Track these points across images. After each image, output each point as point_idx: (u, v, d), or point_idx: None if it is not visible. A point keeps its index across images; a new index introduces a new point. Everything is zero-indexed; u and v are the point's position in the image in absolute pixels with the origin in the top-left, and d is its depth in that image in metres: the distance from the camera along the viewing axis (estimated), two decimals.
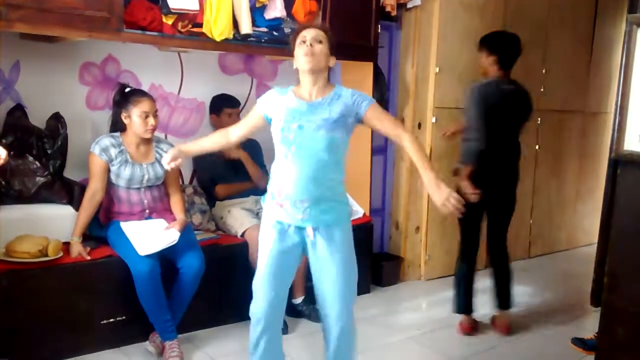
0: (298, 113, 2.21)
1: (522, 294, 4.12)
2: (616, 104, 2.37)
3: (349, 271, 2.30)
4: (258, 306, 2.27)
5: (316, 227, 2.24)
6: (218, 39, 3.11)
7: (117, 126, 3.02)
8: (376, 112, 2.26)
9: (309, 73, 2.22)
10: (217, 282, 3.27)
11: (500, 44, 3.36)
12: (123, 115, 2.95)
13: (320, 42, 2.23)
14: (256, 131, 2.39)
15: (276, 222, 2.26)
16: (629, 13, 3.28)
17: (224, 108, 3.64)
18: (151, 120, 2.94)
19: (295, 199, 2.20)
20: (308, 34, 2.24)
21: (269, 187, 2.30)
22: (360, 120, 2.26)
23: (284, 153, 2.21)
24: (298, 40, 2.24)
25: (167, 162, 2.36)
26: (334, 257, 2.25)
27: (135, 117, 2.92)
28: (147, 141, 3.03)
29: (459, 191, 2.92)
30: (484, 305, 3.67)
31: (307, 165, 2.19)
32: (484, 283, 3.82)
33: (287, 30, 3.42)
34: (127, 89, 3.02)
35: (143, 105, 2.92)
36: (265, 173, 3.75)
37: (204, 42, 3.13)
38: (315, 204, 2.21)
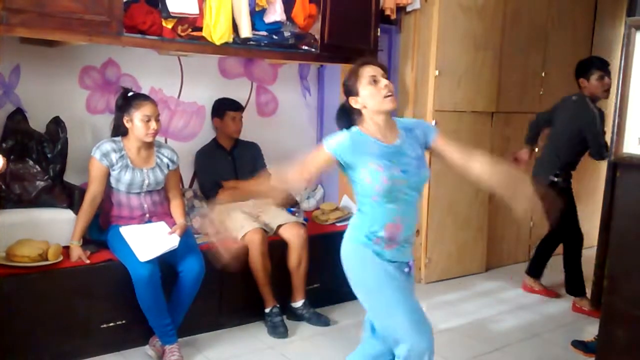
0: (393, 156, 2.12)
1: (522, 297, 4.13)
2: (615, 107, 2.36)
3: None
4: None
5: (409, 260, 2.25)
6: (218, 43, 3.12)
7: (119, 130, 3.02)
8: (443, 138, 2.24)
9: (388, 113, 2.14)
10: (217, 286, 3.27)
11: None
12: (125, 119, 2.95)
13: (387, 78, 2.15)
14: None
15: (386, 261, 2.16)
16: (627, 16, 3.28)
17: (227, 111, 3.64)
18: (153, 124, 2.94)
19: (403, 238, 2.17)
20: (377, 72, 2.14)
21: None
22: (427, 147, 2.23)
23: (389, 200, 2.10)
24: (366, 79, 2.12)
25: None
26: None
27: (137, 121, 2.92)
28: (149, 146, 3.03)
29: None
30: (484, 308, 3.67)
31: (413, 206, 2.18)
32: (482, 286, 3.85)
33: (286, 34, 3.43)
34: (130, 93, 3.02)
35: (145, 109, 2.92)
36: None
37: (204, 45, 3.14)
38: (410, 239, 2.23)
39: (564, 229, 3.83)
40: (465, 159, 2.20)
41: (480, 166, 2.17)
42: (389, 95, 2.10)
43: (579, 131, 3.66)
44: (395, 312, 2.08)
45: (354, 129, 2.15)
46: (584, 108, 3.66)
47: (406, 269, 2.22)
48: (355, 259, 2.18)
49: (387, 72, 2.19)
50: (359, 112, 2.16)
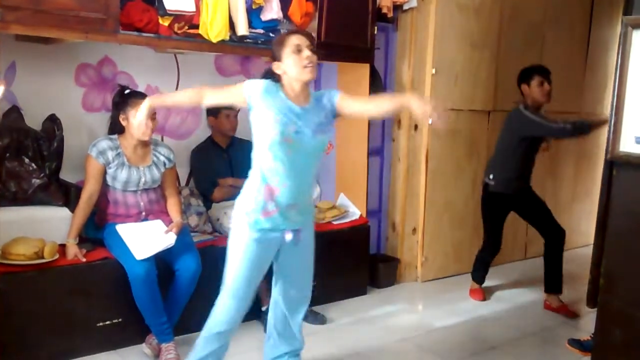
0: (294, 116, 2.25)
1: (518, 295, 4.14)
2: (612, 106, 2.37)
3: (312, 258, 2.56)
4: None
5: (297, 229, 2.39)
6: (214, 41, 3.11)
7: (116, 128, 3.01)
8: (344, 95, 2.36)
9: (306, 82, 2.28)
10: (213, 284, 3.25)
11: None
12: (121, 117, 2.94)
13: (313, 50, 2.27)
14: (228, 105, 2.53)
15: (259, 231, 2.32)
16: (624, 15, 3.28)
17: (221, 109, 3.63)
18: (149, 123, 2.93)
19: (287, 204, 2.29)
20: (302, 42, 2.25)
21: (250, 194, 2.33)
22: (335, 113, 2.35)
23: (279, 157, 2.24)
24: (290, 48, 2.24)
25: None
26: (310, 249, 2.51)
27: (133, 119, 2.91)
28: (145, 144, 3.03)
29: None
30: (481, 306, 3.66)
31: (302, 171, 2.29)
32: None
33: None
34: (127, 91, 3.01)
35: None
36: None
37: (200, 43, 3.13)
38: (302, 209, 2.36)
39: (546, 230, 3.81)
40: (363, 104, 2.47)
41: (374, 104, 2.43)
42: (309, 66, 2.23)
43: (515, 136, 3.70)
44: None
45: (278, 85, 2.29)
46: (516, 116, 3.70)
47: (287, 235, 2.37)
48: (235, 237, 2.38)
49: (314, 44, 2.30)
50: (279, 77, 2.30)
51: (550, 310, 3.82)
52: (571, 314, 3.75)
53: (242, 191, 2.37)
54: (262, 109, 2.24)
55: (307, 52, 2.23)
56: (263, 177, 2.29)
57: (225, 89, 2.43)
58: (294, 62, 2.23)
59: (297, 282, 2.57)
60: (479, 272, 4.06)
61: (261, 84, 2.28)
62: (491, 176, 3.76)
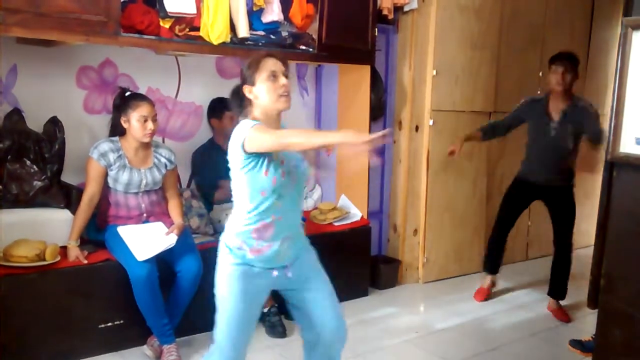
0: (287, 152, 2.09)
1: (520, 296, 4.13)
2: (612, 107, 2.37)
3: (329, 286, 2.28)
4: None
5: (286, 265, 2.16)
6: (215, 43, 3.11)
7: (117, 130, 3.02)
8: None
9: (279, 111, 2.11)
10: (215, 286, 3.26)
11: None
12: (122, 120, 2.95)
13: (287, 76, 2.10)
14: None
15: (244, 265, 2.10)
16: (624, 16, 3.30)
17: (225, 111, 3.64)
18: (150, 125, 2.94)
19: (282, 237, 2.10)
20: (278, 68, 2.08)
21: (237, 233, 2.09)
22: None
23: (280, 194, 2.05)
24: (265, 73, 2.06)
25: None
26: (320, 273, 2.26)
27: (134, 121, 2.92)
28: (146, 146, 3.03)
29: None
30: (482, 307, 3.67)
31: (297, 201, 2.17)
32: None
33: (284, 34, 3.43)
34: (127, 93, 3.02)
35: (142, 109, 2.92)
36: None
37: (201, 45, 3.14)
38: (295, 238, 2.18)
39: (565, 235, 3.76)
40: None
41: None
42: (285, 95, 2.07)
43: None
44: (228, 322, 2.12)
45: (254, 122, 2.06)
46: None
47: (275, 273, 2.14)
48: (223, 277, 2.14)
49: (288, 69, 2.12)
50: (249, 101, 2.11)
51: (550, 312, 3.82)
52: (565, 318, 3.74)
53: (227, 229, 2.15)
54: (266, 153, 2.03)
55: (283, 80, 2.06)
56: (256, 217, 2.06)
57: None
58: (268, 89, 2.05)
59: (328, 317, 2.22)
60: (489, 256, 4.05)
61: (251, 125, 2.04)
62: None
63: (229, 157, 2.10)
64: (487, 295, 4.05)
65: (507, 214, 3.93)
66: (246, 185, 2.05)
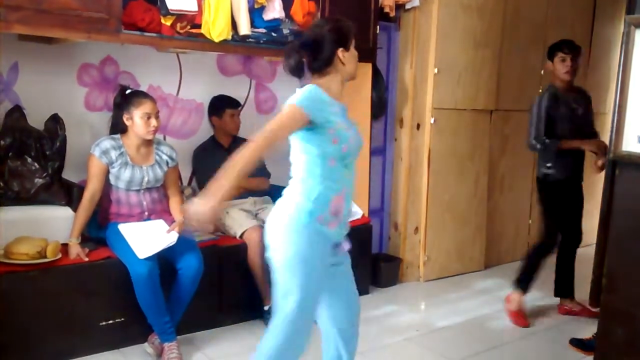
0: (344, 117, 2.07)
1: None
2: (614, 105, 2.36)
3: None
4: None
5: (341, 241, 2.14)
6: (217, 40, 3.11)
7: (117, 128, 3.02)
8: None
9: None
10: (216, 283, 3.27)
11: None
12: (125, 117, 2.94)
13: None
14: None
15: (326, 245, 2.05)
16: (627, 14, 3.27)
17: (226, 109, 3.64)
18: (153, 122, 2.94)
19: (346, 211, 2.08)
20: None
21: (309, 210, 1.98)
22: None
23: (346, 164, 2.03)
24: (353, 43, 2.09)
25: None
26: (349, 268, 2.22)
27: (137, 118, 2.92)
28: (148, 143, 3.03)
29: None
30: (483, 306, 3.66)
31: (353, 174, 2.10)
32: (481, 284, 3.83)
33: (285, 32, 3.42)
34: (128, 91, 3.02)
35: (145, 107, 2.92)
36: (267, 175, 3.75)
37: (203, 43, 3.13)
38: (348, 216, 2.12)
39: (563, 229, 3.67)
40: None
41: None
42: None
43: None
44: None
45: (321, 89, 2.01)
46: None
47: (340, 251, 2.13)
48: (302, 244, 1.98)
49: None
50: (329, 64, 2.06)
51: (567, 314, 3.74)
52: (592, 314, 3.50)
53: (288, 210, 2.02)
54: (326, 121, 1.96)
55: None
56: (329, 190, 1.99)
57: (276, 125, 1.90)
58: (352, 57, 2.10)
59: (349, 309, 2.18)
60: (527, 274, 3.65)
61: (314, 92, 1.99)
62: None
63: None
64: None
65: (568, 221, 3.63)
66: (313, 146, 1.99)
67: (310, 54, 2.06)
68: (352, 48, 2.10)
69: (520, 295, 3.63)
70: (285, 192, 2.08)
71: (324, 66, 2.06)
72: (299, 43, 2.09)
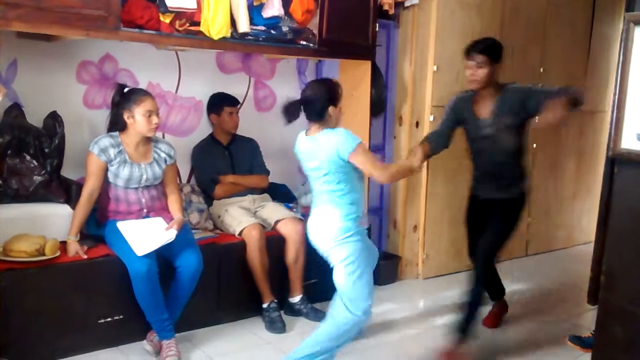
0: None
1: (519, 292, 4.13)
2: (613, 103, 2.36)
3: None
4: None
5: None
6: (216, 38, 3.10)
7: (116, 126, 3.01)
8: None
9: None
10: (214, 281, 3.27)
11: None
12: (126, 115, 2.94)
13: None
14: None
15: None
16: (626, 11, 3.28)
17: (224, 107, 3.64)
18: (155, 119, 2.94)
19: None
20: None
21: (354, 211, 2.68)
22: None
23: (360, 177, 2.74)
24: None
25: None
26: None
27: (139, 116, 2.91)
28: (147, 141, 3.03)
29: None
30: None
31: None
32: None
33: (284, 29, 3.42)
34: (126, 89, 3.01)
35: (146, 104, 2.92)
36: (265, 172, 3.74)
37: (202, 40, 3.13)
38: None
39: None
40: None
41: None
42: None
43: None
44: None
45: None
46: None
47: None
48: (362, 249, 2.66)
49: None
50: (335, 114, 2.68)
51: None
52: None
53: (341, 213, 2.60)
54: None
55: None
56: (358, 197, 2.68)
57: (371, 157, 2.76)
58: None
59: None
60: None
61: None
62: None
63: (320, 154, 2.58)
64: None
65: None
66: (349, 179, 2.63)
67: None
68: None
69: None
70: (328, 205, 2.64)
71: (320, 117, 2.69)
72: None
